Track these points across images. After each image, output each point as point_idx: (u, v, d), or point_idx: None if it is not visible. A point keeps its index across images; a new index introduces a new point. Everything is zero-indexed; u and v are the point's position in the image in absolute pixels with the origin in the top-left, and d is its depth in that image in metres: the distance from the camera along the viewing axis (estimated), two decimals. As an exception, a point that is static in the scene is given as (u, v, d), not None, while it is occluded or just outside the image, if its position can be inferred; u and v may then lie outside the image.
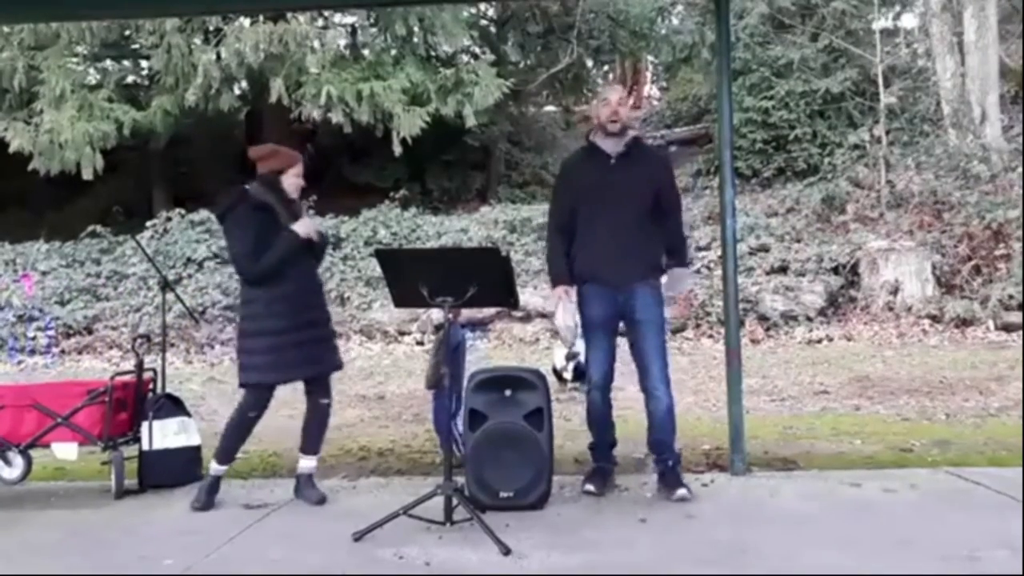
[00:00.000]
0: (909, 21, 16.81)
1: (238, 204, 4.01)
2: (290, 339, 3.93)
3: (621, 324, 4.07)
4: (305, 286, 4.05)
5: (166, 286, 4.95)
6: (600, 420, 4.12)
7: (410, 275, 3.65)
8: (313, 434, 4.15)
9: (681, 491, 3.87)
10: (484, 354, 9.53)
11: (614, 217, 3.97)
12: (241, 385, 4.02)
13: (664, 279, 4.12)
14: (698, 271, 10.90)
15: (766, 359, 9.05)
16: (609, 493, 4.02)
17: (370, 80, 12.92)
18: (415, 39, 13.80)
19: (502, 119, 16.19)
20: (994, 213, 10.86)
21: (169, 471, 4.37)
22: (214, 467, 4.07)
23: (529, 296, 10.51)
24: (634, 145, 4.10)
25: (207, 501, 3.98)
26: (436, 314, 4.74)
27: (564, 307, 4.05)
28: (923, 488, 3.94)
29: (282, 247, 3.94)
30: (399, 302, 3.97)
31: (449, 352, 3.91)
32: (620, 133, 4.05)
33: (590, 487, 4.00)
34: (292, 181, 4.08)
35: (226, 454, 4.07)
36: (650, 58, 20.33)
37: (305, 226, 4.04)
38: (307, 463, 4.13)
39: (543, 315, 10.65)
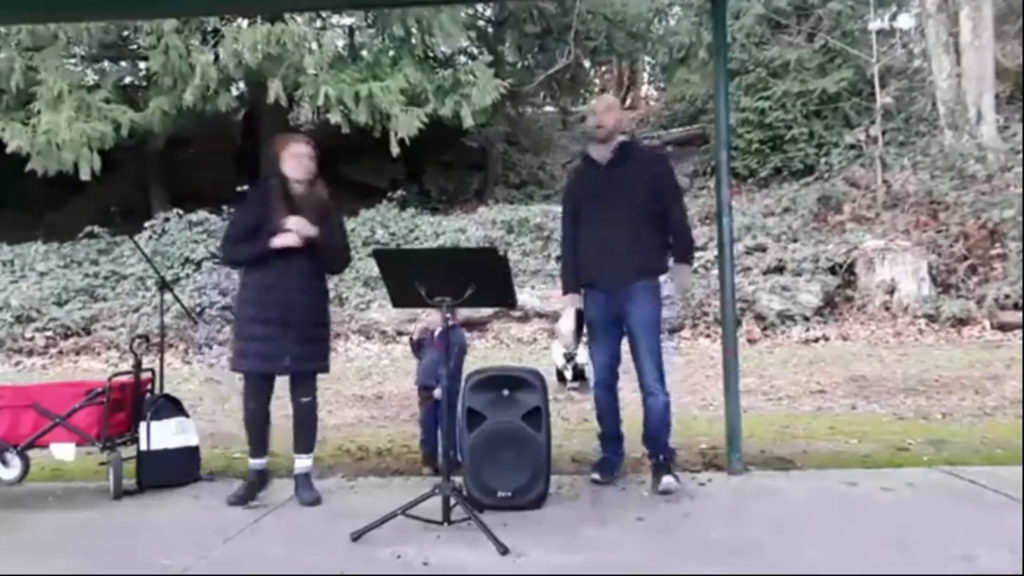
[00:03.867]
0: (905, 21, 16.87)
1: (249, 191, 4.09)
2: (270, 331, 3.96)
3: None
4: (293, 284, 4.01)
5: (164, 287, 4.95)
6: (607, 413, 4.28)
7: (408, 275, 3.66)
8: (301, 433, 4.15)
9: (667, 479, 3.93)
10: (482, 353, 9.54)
11: (607, 223, 4.11)
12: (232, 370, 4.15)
13: (665, 277, 4.21)
14: (695, 271, 10.92)
15: (763, 359, 9.07)
16: (616, 483, 4.17)
17: (368, 81, 12.93)
18: (413, 40, 13.82)
19: (500, 120, 16.22)
20: (990, 213, 10.90)
21: (167, 471, 4.38)
22: (250, 463, 4.13)
23: (527, 296, 10.53)
24: (621, 149, 4.19)
25: (243, 496, 4.02)
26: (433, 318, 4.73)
27: (568, 314, 4.24)
28: (919, 487, 3.95)
29: (254, 248, 3.99)
30: (397, 302, 3.97)
31: (447, 353, 3.92)
32: (607, 140, 4.19)
33: (595, 475, 4.17)
34: (290, 163, 4.09)
35: (251, 447, 4.12)
36: (647, 59, 20.37)
37: (283, 239, 3.97)
38: (301, 463, 4.14)
39: (541, 315, 10.67)
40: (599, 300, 4.17)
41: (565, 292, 4.32)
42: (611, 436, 4.31)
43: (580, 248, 4.22)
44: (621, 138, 4.23)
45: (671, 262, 4.20)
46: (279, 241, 3.96)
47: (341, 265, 4.45)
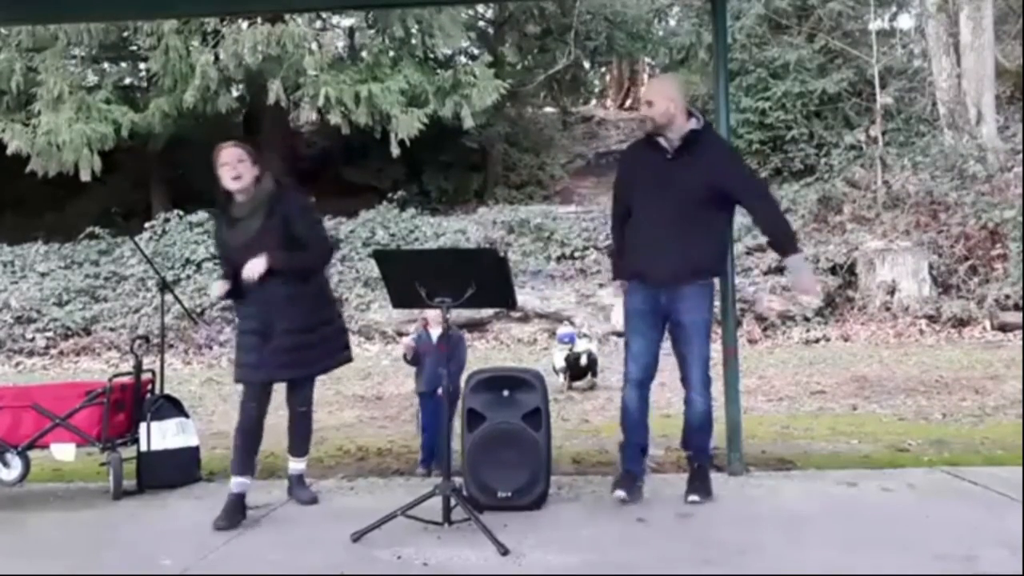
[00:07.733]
0: (905, 22, 16.89)
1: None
2: (254, 342, 3.86)
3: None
4: (270, 295, 3.79)
5: (164, 287, 4.96)
6: (634, 420, 3.90)
7: (408, 276, 3.65)
8: (296, 438, 4.12)
9: (693, 496, 3.81)
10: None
11: (664, 215, 3.77)
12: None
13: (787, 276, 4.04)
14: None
15: (763, 359, 9.07)
16: (639, 502, 3.79)
17: (368, 82, 12.94)
18: (413, 41, 13.84)
19: (500, 120, 16.22)
20: (990, 213, 10.91)
21: (167, 472, 4.37)
22: (232, 480, 3.80)
23: (527, 297, 10.52)
24: (693, 137, 3.81)
25: (230, 521, 3.67)
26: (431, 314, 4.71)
27: (619, 303, 4.35)
28: (920, 488, 3.95)
29: (229, 284, 3.92)
30: (397, 303, 3.96)
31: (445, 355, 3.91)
32: (663, 129, 3.81)
33: (621, 493, 3.77)
34: (222, 173, 3.80)
35: (236, 460, 3.82)
36: (647, 59, 20.34)
37: (249, 271, 3.73)
38: (295, 465, 4.13)
39: (541, 315, 10.67)
40: (645, 293, 3.85)
41: (615, 277, 4.23)
42: (637, 447, 3.92)
43: (629, 237, 3.94)
44: (692, 124, 3.82)
45: (783, 259, 4.02)
46: (245, 275, 3.76)
47: (322, 258, 4.08)
